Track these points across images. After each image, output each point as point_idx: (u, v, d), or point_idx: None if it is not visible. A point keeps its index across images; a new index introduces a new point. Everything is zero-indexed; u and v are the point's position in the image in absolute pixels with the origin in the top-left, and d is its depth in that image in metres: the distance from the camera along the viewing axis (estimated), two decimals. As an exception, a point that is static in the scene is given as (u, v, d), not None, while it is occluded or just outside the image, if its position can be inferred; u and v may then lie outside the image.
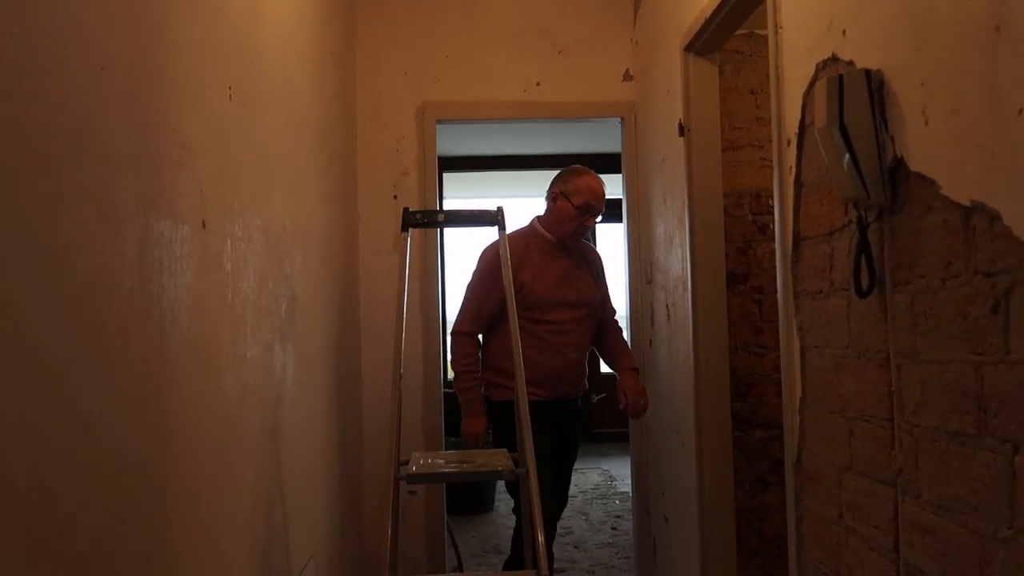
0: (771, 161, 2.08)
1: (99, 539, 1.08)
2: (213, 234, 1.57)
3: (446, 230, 4.47)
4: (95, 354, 1.08)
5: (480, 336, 2.80)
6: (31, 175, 0.94)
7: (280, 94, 2.16)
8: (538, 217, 2.87)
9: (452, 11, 3.68)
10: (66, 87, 1.03)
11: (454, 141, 6.21)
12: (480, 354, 2.79)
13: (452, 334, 2.80)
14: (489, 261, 2.72)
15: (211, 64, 1.62)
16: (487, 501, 5.05)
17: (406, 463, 2.09)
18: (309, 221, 2.47)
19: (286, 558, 2.06)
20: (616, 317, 3.06)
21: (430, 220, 2.17)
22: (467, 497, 4.85)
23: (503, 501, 5.28)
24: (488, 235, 2.73)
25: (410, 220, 2.16)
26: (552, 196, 2.81)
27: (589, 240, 3.62)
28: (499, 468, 1.97)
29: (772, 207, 2.10)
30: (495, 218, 2.22)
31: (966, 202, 1.24)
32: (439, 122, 3.60)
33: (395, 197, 3.53)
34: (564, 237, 2.77)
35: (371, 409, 3.42)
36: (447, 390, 6.37)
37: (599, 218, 2.84)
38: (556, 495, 2.83)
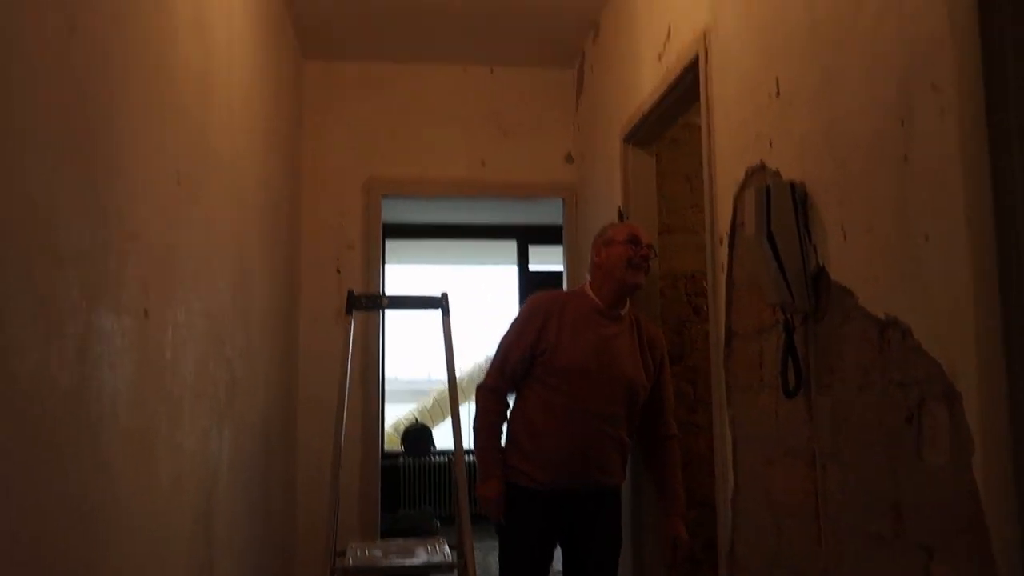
0: (705, 244, 2.18)
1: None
2: (155, 323, 1.56)
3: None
4: (28, 464, 1.06)
5: (507, 395, 2.46)
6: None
7: (227, 175, 2.18)
8: (587, 283, 2.51)
9: (400, 90, 3.78)
10: (20, 182, 1.03)
11: (398, 210, 6.27)
12: (507, 414, 2.44)
13: (476, 387, 2.46)
14: (521, 312, 2.47)
15: (162, 151, 1.64)
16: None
17: (343, 554, 2.05)
18: (251, 300, 2.46)
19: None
20: (672, 425, 2.53)
21: (374, 304, 2.19)
22: None
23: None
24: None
25: (355, 303, 2.17)
26: (595, 253, 2.49)
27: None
28: (436, 560, 1.95)
29: (706, 288, 2.20)
30: (439, 303, 2.25)
31: (881, 315, 1.34)
32: (385, 196, 3.65)
33: (338, 271, 3.54)
34: (623, 285, 2.38)
35: (307, 485, 3.35)
36: (384, 462, 6.29)
37: (653, 253, 2.48)
38: None
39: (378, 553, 2.03)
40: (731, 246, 1.98)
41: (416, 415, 7.28)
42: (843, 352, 1.45)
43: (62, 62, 1.17)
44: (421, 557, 2.02)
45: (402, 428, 6.77)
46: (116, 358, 1.36)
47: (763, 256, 1.60)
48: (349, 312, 2.16)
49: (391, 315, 6.50)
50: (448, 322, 2.24)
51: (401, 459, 6.43)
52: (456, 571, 1.90)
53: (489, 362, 2.49)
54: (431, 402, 7.53)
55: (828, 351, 1.51)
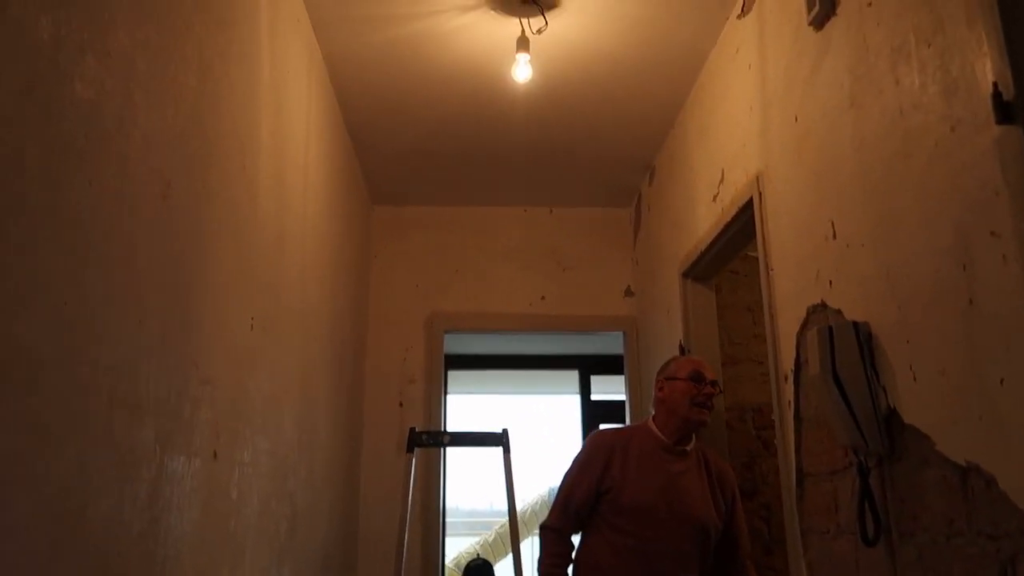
0: (770, 374, 2.14)
1: None
2: (223, 464, 1.60)
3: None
4: (96, 607, 1.07)
5: (571, 536, 2.37)
6: (60, 432, 0.99)
7: (297, 317, 2.27)
8: (651, 417, 2.46)
9: (462, 229, 3.93)
10: (107, 342, 1.10)
11: (461, 341, 6.36)
12: (572, 555, 2.35)
13: (540, 527, 2.39)
14: (584, 449, 2.40)
15: (237, 298, 1.73)
16: None
17: None
18: (315, 436, 2.49)
19: None
20: (751, 568, 2.41)
21: (435, 441, 2.19)
22: None
23: None
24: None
25: (416, 440, 2.18)
26: (658, 387, 2.43)
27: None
28: None
29: (774, 421, 2.14)
30: (500, 439, 2.24)
31: (961, 461, 1.28)
32: (447, 332, 3.72)
33: (400, 404, 3.58)
34: (688, 422, 2.32)
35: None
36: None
37: (718, 390, 2.40)
38: None
39: None
40: (796, 383, 1.94)
41: (478, 550, 7.06)
42: (924, 498, 1.38)
43: (156, 227, 1.27)
44: None
45: (463, 563, 6.56)
46: (185, 500, 1.39)
47: (830, 396, 1.56)
48: (411, 449, 2.17)
49: (453, 449, 6.50)
50: (509, 458, 2.22)
51: (461, 599, 6.18)
52: None
53: (552, 497, 2.43)
54: (493, 536, 7.31)
55: (908, 497, 1.43)
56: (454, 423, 7.62)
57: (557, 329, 3.85)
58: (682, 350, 2.93)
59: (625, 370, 3.87)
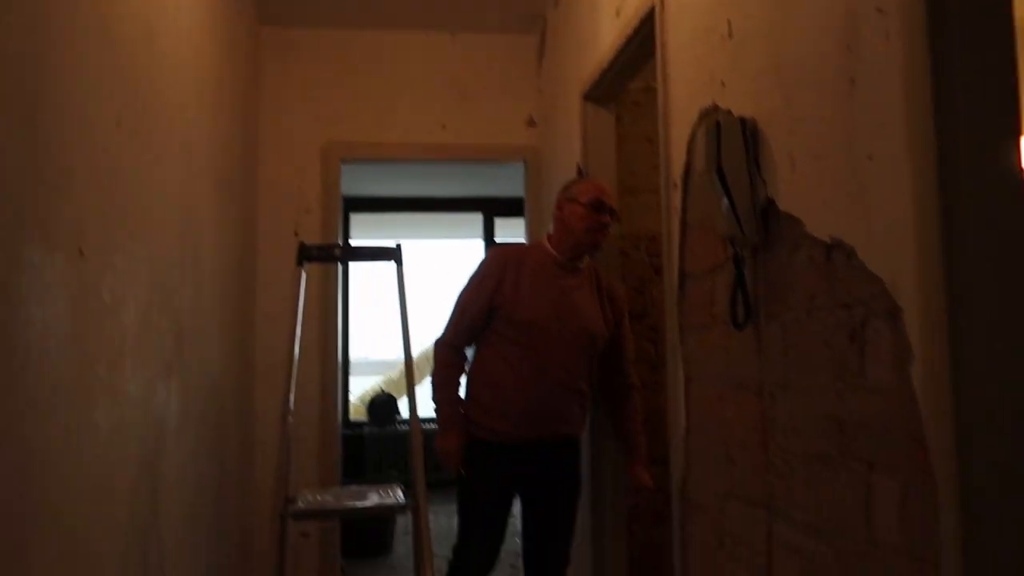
0: (660, 182, 2.17)
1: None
2: (91, 264, 1.51)
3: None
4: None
5: (465, 349, 2.44)
6: None
7: (176, 125, 2.12)
8: (547, 235, 2.52)
9: (358, 54, 3.71)
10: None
11: (360, 182, 6.19)
12: (465, 368, 2.44)
13: (434, 343, 2.44)
14: (479, 266, 2.44)
15: (99, 90, 1.57)
16: (385, 544, 4.92)
17: (294, 501, 2.03)
18: (201, 257, 2.40)
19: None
20: (632, 375, 2.59)
21: (326, 255, 2.15)
22: (365, 540, 4.72)
23: (402, 543, 5.16)
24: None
25: (306, 254, 2.13)
26: (557, 206, 2.46)
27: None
28: (388, 503, 1.94)
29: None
30: (393, 254, 2.22)
31: (827, 238, 1.34)
32: (343, 161, 3.60)
33: (296, 234, 3.48)
34: (581, 244, 2.38)
35: (265, 449, 3.31)
36: (346, 431, 6.25)
37: (615, 219, 2.47)
38: (539, 557, 2.46)
39: (330, 498, 2.01)
40: (685, 190, 1.97)
41: (382, 386, 7.24)
42: (792, 280, 1.46)
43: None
44: (373, 500, 2.00)
45: (368, 399, 6.74)
46: (46, 293, 1.31)
47: (714, 191, 1.60)
48: (300, 263, 2.12)
49: (361, 291, 6.47)
50: (402, 274, 2.21)
51: (366, 429, 6.40)
52: (409, 512, 1.89)
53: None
54: (397, 374, 7.50)
55: (777, 281, 1.51)
56: (357, 268, 7.57)
57: (457, 158, 3.77)
58: (580, 172, 2.93)
59: (526, 203, 3.87)
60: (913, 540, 1.11)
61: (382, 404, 6.49)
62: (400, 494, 2.08)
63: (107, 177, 1.61)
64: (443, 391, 2.37)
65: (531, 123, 3.83)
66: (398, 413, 6.53)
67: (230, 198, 2.87)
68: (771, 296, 1.54)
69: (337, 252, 2.15)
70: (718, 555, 1.77)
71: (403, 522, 5.46)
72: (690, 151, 1.93)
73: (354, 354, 6.38)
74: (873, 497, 1.20)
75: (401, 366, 7.46)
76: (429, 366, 7.10)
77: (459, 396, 2.40)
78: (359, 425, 6.48)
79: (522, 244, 2.60)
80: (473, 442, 2.34)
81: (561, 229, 2.45)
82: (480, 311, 2.36)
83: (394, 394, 6.74)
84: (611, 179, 2.96)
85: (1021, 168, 1.09)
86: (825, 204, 1.35)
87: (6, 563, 1.17)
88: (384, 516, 4.60)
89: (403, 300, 2.17)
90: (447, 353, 2.40)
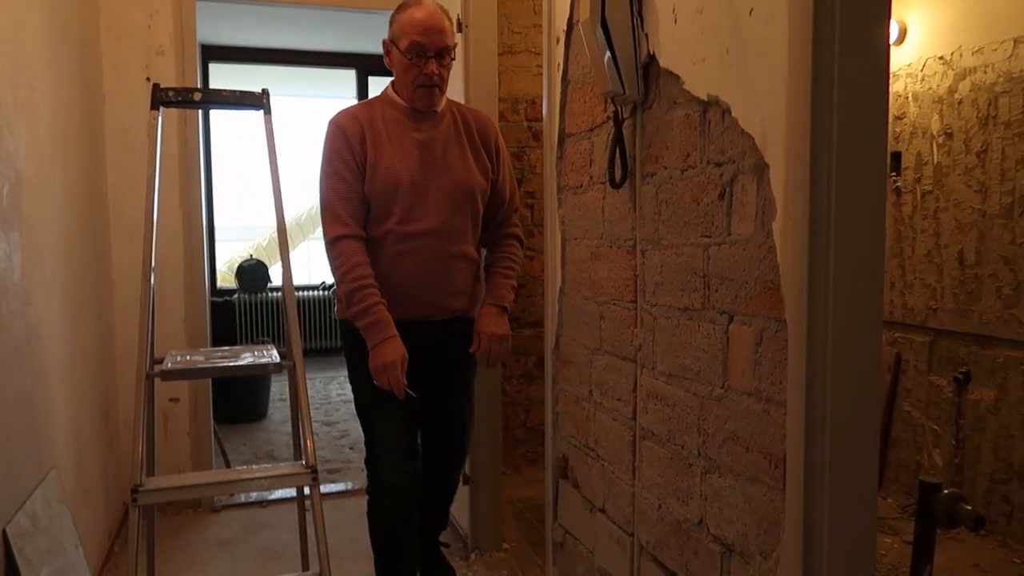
0: (543, 35, 2.10)
1: None
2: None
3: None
4: None
5: (361, 236, 2.02)
6: None
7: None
8: (391, 83, 2.13)
9: None
10: None
11: (220, 28, 5.68)
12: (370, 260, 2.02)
13: (327, 245, 2.01)
14: (332, 138, 2.02)
15: None
16: (260, 408, 4.91)
17: (161, 362, 1.95)
18: (33, 95, 2.15)
19: (17, 475, 1.86)
20: (515, 225, 2.25)
21: (185, 99, 1.97)
22: (239, 405, 4.69)
23: (277, 409, 5.17)
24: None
25: (161, 98, 1.94)
26: (384, 49, 2.09)
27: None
28: (263, 361, 1.90)
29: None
30: (260, 100, 2.06)
31: (704, 96, 1.35)
32: (199, -1, 3.25)
33: (148, 79, 3.17)
34: (412, 99, 2.04)
35: (125, 314, 3.14)
36: (215, 299, 6.06)
37: (448, 58, 2.04)
38: (443, 427, 2.27)
39: (200, 358, 1.95)
40: (567, 45, 1.92)
41: (252, 252, 7.01)
42: (668, 139, 1.47)
43: None
44: (247, 359, 1.96)
45: (236, 266, 6.51)
46: None
47: (597, 45, 1.56)
48: (156, 107, 1.94)
49: (224, 156, 6.07)
50: (270, 123, 2.06)
51: (237, 296, 6.22)
52: (286, 372, 1.87)
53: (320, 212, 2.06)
54: (267, 240, 7.26)
55: (654, 140, 1.53)
56: (219, 127, 7.08)
57: (329, 3, 3.50)
58: (459, 26, 2.80)
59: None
60: (763, 383, 1.21)
61: (251, 270, 6.30)
62: (275, 353, 2.04)
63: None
64: (360, 296, 1.94)
65: (409, -30, 3.59)
66: (269, 280, 6.36)
67: (65, 32, 2.55)
68: (647, 156, 1.55)
69: (196, 96, 1.95)
70: (585, 405, 1.87)
71: (277, 388, 5.46)
72: (574, 3, 1.87)
73: (219, 220, 6.07)
74: (731, 346, 1.29)
75: (270, 234, 7.24)
76: (301, 232, 6.92)
77: (378, 292, 1.98)
78: (229, 292, 6.28)
79: (365, 102, 2.14)
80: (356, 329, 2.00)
81: (396, 77, 2.09)
82: (358, 181, 2.00)
83: (264, 261, 6.54)
84: (492, 35, 2.84)
85: (887, 23, 1.12)
86: (704, 61, 1.35)
87: None
88: (258, 375, 4.55)
89: (272, 154, 2.03)
90: (346, 248, 1.96)
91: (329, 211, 1.99)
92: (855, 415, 1.11)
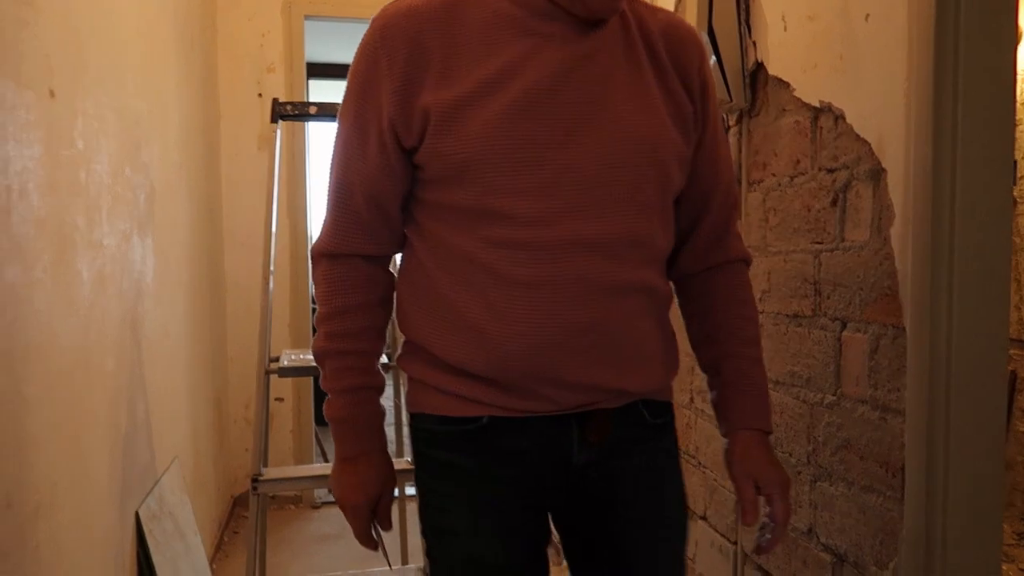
0: None
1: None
2: (62, 107, 1.45)
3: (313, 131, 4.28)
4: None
5: (377, 256, 1.07)
6: None
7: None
8: None
9: (322, -102, 3.46)
10: None
11: (320, 46, 5.93)
12: (381, 303, 1.08)
13: (311, 256, 1.10)
14: (362, 61, 0.99)
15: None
16: (355, 412, 5.08)
17: (277, 359, 2.06)
18: (166, 111, 2.31)
19: (148, 462, 2.01)
20: (738, 235, 1.13)
21: (302, 113, 2.09)
22: (334, 408, 4.86)
23: (371, 412, 5.33)
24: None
25: (280, 111, 2.06)
26: None
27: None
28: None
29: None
30: (370, 114, 2.15)
31: (816, 103, 1.35)
32: (307, 18, 3.43)
33: (260, 95, 3.36)
34: None
35: (235, 318, 3.32)
36: (315, 306, 6.29)
37: None
38: None
39: (310, 357, 2.05)
40: (670, 55, 1.94)
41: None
42: (777, 146, 1.48)
43: None
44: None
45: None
46: (21, 132, 1.26)
47: (704, 53, 1.58)
48: (275, 121, 2.06)
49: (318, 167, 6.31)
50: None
51: (331, 304, 6.46)
52: (389, 373, 1.94)
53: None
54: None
55: (762, 147, 1.53)
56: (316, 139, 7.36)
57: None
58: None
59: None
60: (879, 390, 1.19)
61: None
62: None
63: (68, 16, 1.52)
64: (340, 355, 1.05)
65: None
66: (362, 286, 6.57)
67: (190, 54, 2.74)
68: (754, 163, 1.56)
69: (312, 109, 2.07)
70: (686, 412, 1.87)
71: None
72: (677, 9, 1.89)
73: (312, 231, 6.31)
74: (844, 352, 1.27)
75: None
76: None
77: (373, 356, 1.07)
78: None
79: None
80: (431, 425, 1.04)
81: None
82: (385, 164, 0.99)
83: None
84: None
85: (1017, 29, 1.10)
86: (816, 67, 1.35)
87: (3, 404, 1.18)
88: None
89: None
90: (338, 270, 1.05)
91: (335, 209, 1.04)
92: (980, 427, 1.08)
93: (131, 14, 1.98)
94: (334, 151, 1.04)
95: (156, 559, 1.88)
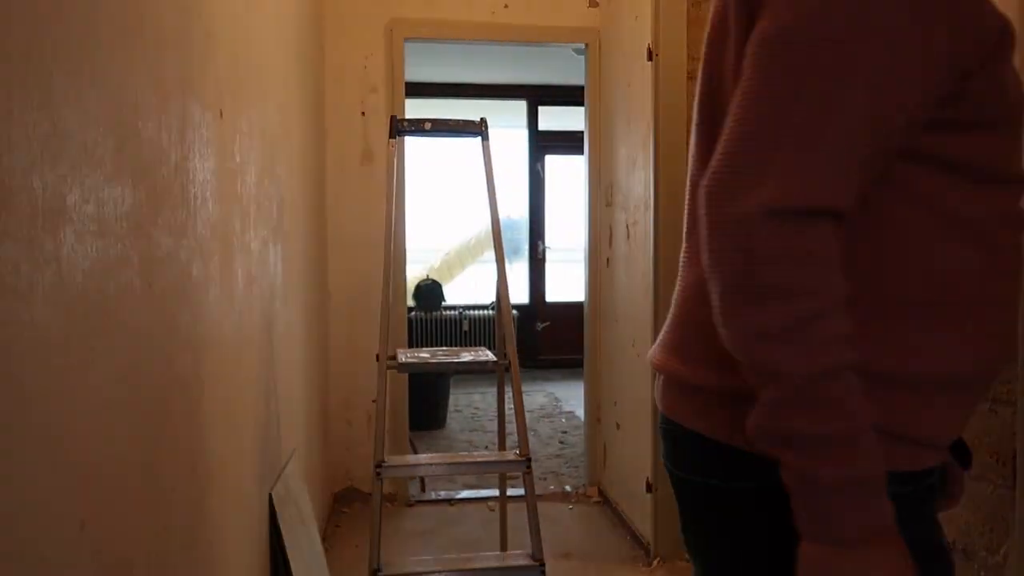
0: None
1: (150, 439, 1.19)
2: (227, 125, 1.64)
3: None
4: (149, 221, 1.17)
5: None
6: (109, 45, 1.01)
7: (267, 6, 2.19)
8: None
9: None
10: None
11: (416, 66, 6.19)
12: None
13: (762, 220, 0.66)
14: None
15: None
16: (440, 417, 5.26)
17: (395, 357, 2.23)
18: (291, 129, 2.52)
19: (277, 449, 2.19)
20: None
21: (417, 128, 2.25)
22: (419, 413, 5.04)
23: (454, 419, 5.50)
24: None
25: (398, 128, 2.24)
26: None
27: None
28: (482, 359, 2.13)
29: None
30: (479, 128, 2.31)
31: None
32: (407, 40, 3.63)
33: (363, 114, 3.57)
34: None
35: (337, 320, 3.53)
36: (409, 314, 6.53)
37: None
38: None
39: (426, 355, 2.21)
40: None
41: (427, 273, 7.46)
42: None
43: None
44: (467, 357, 2.20)
45: (411, 286, 6.98)
46: (203, 148, 1.45)
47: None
48: (393, 136, 2.24)
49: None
50: (488, 149, 2.31)
51: (413, 314, 6.67)
52: (504, 369, 2.08)
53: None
54: (439, 262, 7.71)
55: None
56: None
57: (519, 40, 3.78)
58: (650, 54, 2.96)
59: (586, 87, 3.89)
60: (988, 382, 1.26)
61: (428, 289, 6.72)
62: (489, 353, 2.27)
63: (234, 45, 1.72)
64: (834, 398, 0.69)
65: (593, 3, 3.81)
66: (443, 299, 6.77)
67: (306, 74, 2.96)
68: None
69: (427, 126, 2.24)
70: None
71: (453, 399, 5.80)
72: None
73: (412, 237, 6.57)
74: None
75: (442, 255, 7.68)
76: (470, 255, 7.21)
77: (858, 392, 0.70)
78: (408, 310, 6.77)
79: None
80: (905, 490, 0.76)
81: None
82: (922, 99, 0.71)
83: (439, 281, 6.97)
84: (681, 60, 2.98)
85: None
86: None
87: (184, 386, 1.36)
88: (478, 371, 4.90)
89: (490, 177, 2.28)
90: (827, 248, 0.69)
91: (800, 142, 0.69)
92: (1091, 415, 1.14)
93: (270, 39, 2.19)
94: (829, 88, 0.69)
95: (287, 540, 2.05)
